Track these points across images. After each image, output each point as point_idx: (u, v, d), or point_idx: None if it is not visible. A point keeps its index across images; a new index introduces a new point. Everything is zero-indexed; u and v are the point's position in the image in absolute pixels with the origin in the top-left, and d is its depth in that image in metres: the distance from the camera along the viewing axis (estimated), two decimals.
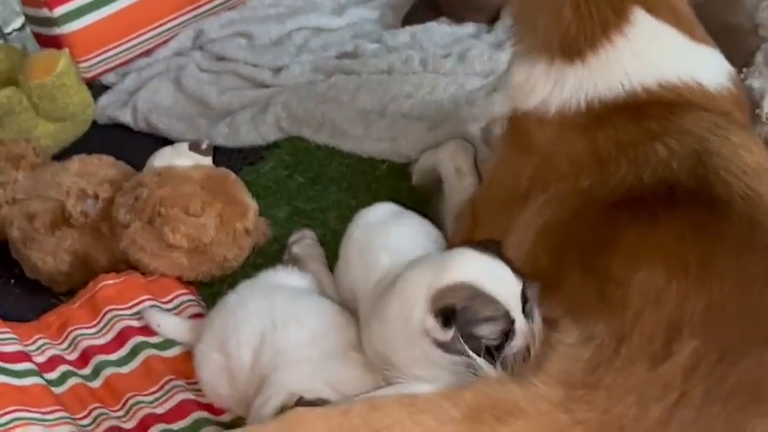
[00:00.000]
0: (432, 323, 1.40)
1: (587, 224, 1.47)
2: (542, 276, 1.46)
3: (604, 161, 1.50)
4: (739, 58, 2.03)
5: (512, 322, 1.39)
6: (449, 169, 2.00)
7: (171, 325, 1.86)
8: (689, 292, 1.31)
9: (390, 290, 1.51)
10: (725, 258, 1.34)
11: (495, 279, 1.42)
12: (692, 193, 1.42)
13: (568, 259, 1.46)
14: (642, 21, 1.55)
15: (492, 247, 1.48)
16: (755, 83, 1.96)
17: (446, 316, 1.39)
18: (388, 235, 1.71)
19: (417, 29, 2.67)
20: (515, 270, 1.45)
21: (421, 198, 2.08)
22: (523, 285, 1.42)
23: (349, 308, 1.73)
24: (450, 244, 1.74)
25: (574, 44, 1.56)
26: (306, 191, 2.22)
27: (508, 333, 1.38)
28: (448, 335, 1.39)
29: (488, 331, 1.39)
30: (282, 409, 1.45)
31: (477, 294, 1.40)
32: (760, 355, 1.26)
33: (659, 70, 1.54)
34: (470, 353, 1.36)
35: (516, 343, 1.38)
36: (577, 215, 1.49)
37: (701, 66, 1.58)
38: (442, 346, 1.40)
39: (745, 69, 2.02)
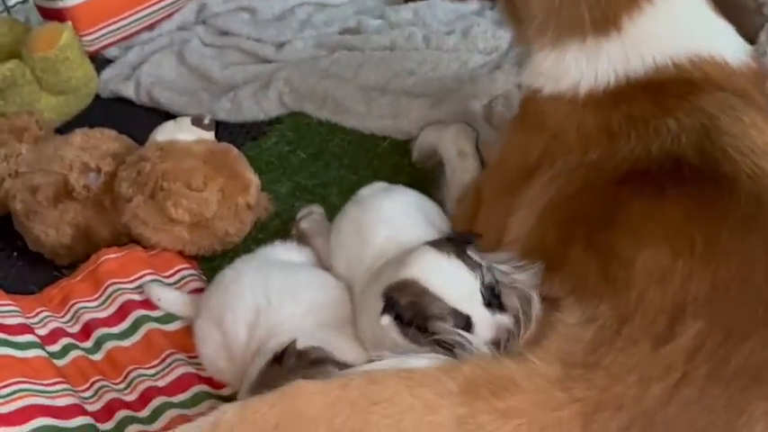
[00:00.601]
0: (386, 320, 1.42)
1: (593, 198, 1.46)
2: (548, 253, 1.46)
3: (614, 134, 1.50)
4: (743, 36, 2.02)
5: (466, 318, 1.39)
6: (451, 152, 1.99)
7: (171, 299, 1.87)
8: (694, 272, 1.30)
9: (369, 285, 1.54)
10: (731, 237, 1.33)
11: (444, 277, 1.42)
12: (698, 170, 1.41)
13: (573, 234, 1.45)
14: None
15: (463, 240, 1.47)
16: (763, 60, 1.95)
17: (398, 313, 1.41)
18: (380, 209, 1.73)
19: (420, 5, 2.67)
20: (499, 259, 1.46)
21: (422, 175, 2.09)
22: (492, 280, 1.42)
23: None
24: (453, 226, 1.76)
25: (608, 13, 1.53)
26: (308, 167, 2.23)
27: (467, 327, 1.39)
28: (406, 331, 1.42)
29: (440, 328, 1.40)
30: (275, 359, 1.48)
31: (422, 292, 1.41)
32: (764, 336, 1.25)
33: (692, 43, 1.53)
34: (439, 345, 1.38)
35: (480, 335, 1.38)
36: (583, 189, 1.49)
37: (725, 41, 1.57)
38: (408, 338, 1.42)
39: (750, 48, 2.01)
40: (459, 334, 1.38)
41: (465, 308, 1.40)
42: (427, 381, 1.28)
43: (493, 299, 1.41)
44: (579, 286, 1.38)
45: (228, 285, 1.73)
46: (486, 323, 1.39)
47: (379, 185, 1.86)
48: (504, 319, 1.39)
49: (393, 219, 1.70)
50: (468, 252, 1.45)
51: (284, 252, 1.83)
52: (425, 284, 1.41)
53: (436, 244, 1.46)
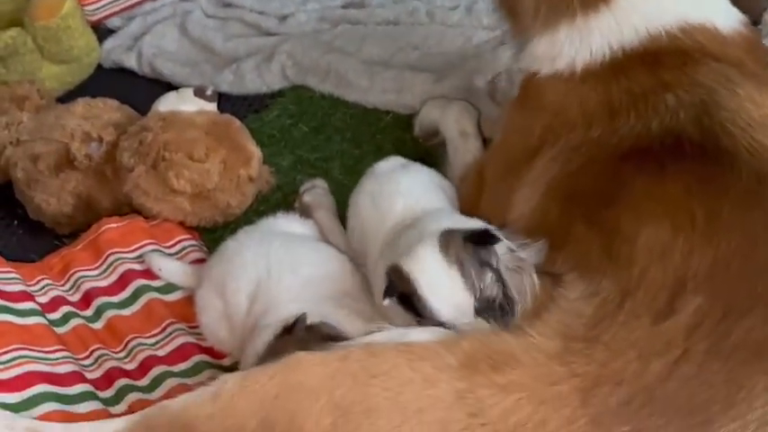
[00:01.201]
0: (387, 302, 1.42)
1: (595, 176, 1.47)
2: (551, 230, 1.46)
3: (615, 111, 1.50)
4: (747, 18, 2.02)
5: (453, 325, 1.37)
6: (453, 132, 1.98)
7: (172, 269, 1.87)
8: (694, 247, 1.30)
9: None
10: (732, 213, 1.33)
11: (435, 287, 1.38)
12: (699, 145, 1.41)
13: (576, 212, 1.45)
14: None
15: (483, 240, 1.41)
16: (764, 42, 1.94)
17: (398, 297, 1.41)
18: (399, 182, 1.72)
19: None
20: (517, 243, 1.44)
21: (425, 149, 2.08)
22: (494, 293, 1.38)
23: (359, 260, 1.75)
24: (459, 205, 1.75)
25: None
26: (310, 140, 2.22)
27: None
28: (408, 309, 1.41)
29: (431, 321, 1.39)
30: (285, 330, 1.48)
31: (414, 290, 1.39)
32: (765, 312, 1.26)
33: (682, 10, 1.54)
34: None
35: None
36: (586, 167, 1.49)
37: (715, 7, 1.58)
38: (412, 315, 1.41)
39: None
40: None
41: (451, 318, 1.37)
42: (427, 354, 1.28)
43: (490, 309, 1.37)
44: (582, 263, 1.38)
45: (231, 256, 1.73)
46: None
47: (396, 160, 1.85)
48: (501, 322, 1.36)
49: (411, 191, 1.69)
50: (483, 252, 1.39)
51: (286, 224, 1.83)
52: (417, 285, 1.39)
53: (446, 240, 1.41)
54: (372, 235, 1.68)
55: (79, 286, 1.87)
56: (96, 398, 1.64)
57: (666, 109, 1.46)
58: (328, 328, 1.49)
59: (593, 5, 1.55)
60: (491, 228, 1.46)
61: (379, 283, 1.53)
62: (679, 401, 1.22)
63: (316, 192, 1.97)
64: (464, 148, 1.95)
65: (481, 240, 1.41)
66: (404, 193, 1.69)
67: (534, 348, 1.28)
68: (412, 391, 1.24)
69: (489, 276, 1.39)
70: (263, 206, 2.05)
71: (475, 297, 1.37)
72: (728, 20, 1.57)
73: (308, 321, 1.49)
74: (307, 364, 1.28)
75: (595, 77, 1.55)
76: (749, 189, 1.36)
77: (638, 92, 1.49)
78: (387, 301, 1.42)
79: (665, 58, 1.51)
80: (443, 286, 1.38)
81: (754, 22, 2.05)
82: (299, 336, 1.47)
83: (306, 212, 1.92)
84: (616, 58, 1.54)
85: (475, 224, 1.51)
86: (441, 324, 1.37)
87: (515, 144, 1.67)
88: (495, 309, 1.37)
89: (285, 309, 1.55)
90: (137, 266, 1.88)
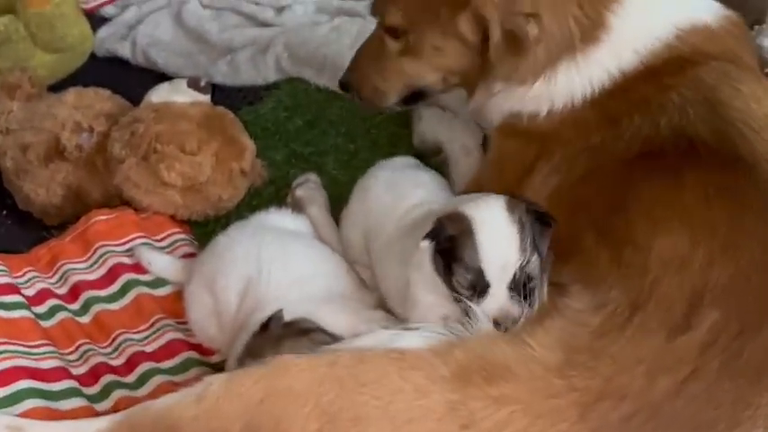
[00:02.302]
0: (425, 243, 1.41)
1: (600, 183, 1.44)
2: (555, 241, 1.42)
3: (615, 119, 1.47)
4: (749, 17, 1.99)
5: (486, 285, 1.37)
6: (457, 152, 1.95)
7: (162, 264, 1.84)
8: (715, 259, 1.27)
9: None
10: (754, 223, 1.30)
11: (494, 235, 1.38)
12: (714, 150, 1.37)
13: (582, 221, 1.42)
14: None
15: (542, 218, 1.42)
16: (765, 41, 1.92)
17: (438, 239, 1.40)
18: (418, 176, 1.77)
19: None
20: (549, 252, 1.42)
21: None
22: (534, 273, 1.38)
23: (353, 253, 1.74)
24: None
25: (593, 16, 1.50)
26: (304, 134, 2.19)
27: (481, 293, 1.37)
28: (437, 260, 1.41)
29: (461, 276, 1.38)
30: (261, 327, 1.47)
31: (467, 233, 1.38)
32: None
33: (674, 16, 1.52)
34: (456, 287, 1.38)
35: (486, 309, 1.36)
36: (588, 174, 1.46)
37: (699, 3, 1.56)
38: (434, 268, 1.42)
39: (756, 27, 1.99)
40: (472, 290, 1.37)
41: (491, 275, 1.37)
42: (418, 364, 1.26)
43: (521, 288, 1.37)
44: (589, 273, 1.35)
45: (222, 252, 1.70)
46: (498, 301, 1.37)
47: (411, 159, 1.90)
48: (516, 310, 1.36)
49: (429, 186, 1.73)
50: (538, 233, 1.40)
51: (279, 219, 1.81)
52: (474, 230, 1.38)
53: (513, 202, 1.42)
54: (379, 222, 1.67)
55: (67, 279, 1.85)
56: (81, 395, 1.62)
57: (674, 106, 1.43)
58: (307, 324, 1.47)
59: (593, 38, 1.52)
60: None
61: (395, 262, 1.54)
62: (684, 419, 1.20)
63: (308, 186, 1.95)
64: (467, 163, 1.91)
65: (540, 218, 1.41)
66: (423, 185, 1.72)
67: (532, 360, 1.26)
68: (402, 400, 1.23)
69: (536, 258, 1.39)
70: (256, 200, 2.03)
71: (520, 265, 1.36)
72: (713, 13, 1.55)
73: (287, 318, 1.46)
74: (294, 369, 1.26)
75: (592, 102, 1.53)
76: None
77: (638, 98, 1.47)
78: (425, 243, 1.40)
79: (665, 67, 1.49)
80: (502, 235, 1.38)
81: (757, 21, 2.03)
82: (276, 333, 1.45)
83: (298, 207, 1.89)
84: (615, 81, 1.51)
85: None
86: (476, 282, 1.36)
87: (508, 166, 1.65)
88: (525, 292, 1.37)
89: (273, 307, 1.53)
90: (126, 260, 1.85)
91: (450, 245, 1.40)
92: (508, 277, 1.37)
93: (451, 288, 1.40)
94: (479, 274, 1.37)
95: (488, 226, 1.39)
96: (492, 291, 1.37)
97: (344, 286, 1.66)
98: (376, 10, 1.73)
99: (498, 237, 1.38)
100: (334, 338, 1.44)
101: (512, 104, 1.62)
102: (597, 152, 1.47)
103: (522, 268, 1.37)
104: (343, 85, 1.85)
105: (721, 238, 1.28)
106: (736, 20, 1.58)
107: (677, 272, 1.27)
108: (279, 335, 1.44)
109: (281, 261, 1.65)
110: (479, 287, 1.37)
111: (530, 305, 1.36)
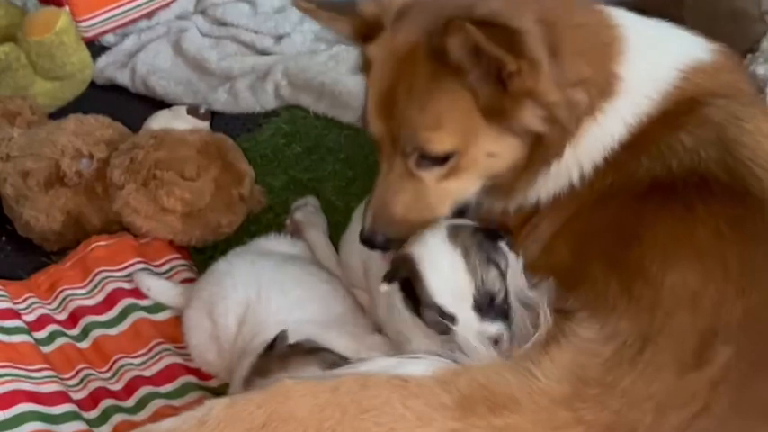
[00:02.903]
0: (384, 287, 1.43)
1: (612, 215, 1.41)
2: (561, 270, 1.41)
3: (621, 164, 1.44)
4: (744, 44, 2.01)
5: (451, 316, 1.37)
6: None
7: (161, 289, 1.85)
8: (727, 296, 1.26)
9: None
10: (765, 259, 1.28)
11: (438, 269, 1.39)
12: (726, 185, 1.36)
13: (590, 252, 1.40)
14: (630, 20, 1.50)
15: (491, 235, 1.43)
16: (760, 69, 1.94)
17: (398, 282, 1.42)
18: None
19: None
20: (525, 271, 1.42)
21: None
22: (495, 288, 1.38)
23: (353, 277, 1.75)
24: None
25: (603, 71, 1.45)
26: (303, 160, 2.21)
27: (452, 322, 1.38)
28: (407, 302, 1.43)
29: (428, 314, 1.39)
30: (267, 347, 1.48)
31: (416, 274, 1.40)
32: None
33: (674, 58, 1.49)
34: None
35: (462, 335, 1.36)
36: (599, 207, 1.44)
37: (689, 42, 1.54)
38: (409, 309, 1.44)
39: (750, 55, 2.01)
40: (442, 322, 1.37)
41: (449, 306, 1.38)
42: (421, 391, 1.25)
43: (488, 307, 1.38)
44: (596, 302, 1.33)
45: (221, 277, 1.71)
46: (470, 326, 1.37)
47: None
48: (493, 328, 1.37)
49: None
50: (491, 249, 1.41)
51: (278, 244, 1.82)
52: (419, 268, 1.40)
53: (453, 231, 1.43)
54: None
55: (66, 305, 1.85)
56: (81, 418, 1.62)
57: (684, 148, 1.41)
58: (311, 344, 1.47)
59: (608, 93, 1.45)
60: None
61: (381, 298, 1.54)
62: None
63: (308, 210, 1.97)
64: None
65: (489, 236, 1.42)
66: None
67: (537, 391, 1.24)
68: (404, 428, 1.21)
69: (494, 273, 1.39)
70: (255, 226, 2.04)
71: (475, 286, 1.37)
72: (706, 50, 1.54)
73: (292, 341, 1.47)
74: (296, 395, 1.25)
75: (612, 153, 1.48)
76: None
77: (652, 141, 1.44)
78: (385, 287, 1.41)
79: (677, 108, 1.46)
80: (445, 266, 1.39)
81: (750, 49, 2.05)
82: (281, 351, 1.45)
83: (297, 230, 1.90)
84: (631, 130, 1.46)
85: None
86: (440, 314, 1.36)
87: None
88: (494, 309, 1.37)
89: (274, 331, 1.53)
90: (125, 285, 1.86)
91: (408, 286, 1.42)
92: (468, 302, 1.38)
93: (428, 324, 1.41)
94: (439, 308, 1.38)
95: (430, 261, 1.40)
96: (459, 318, 1.37)
97: (343, 310, 1.66)
98: (407, 144, 1.46)
99: (441, 268, 1.40)
100: (342, 359, 1.45)
101: (555, 181, 1.52)
102: (606, 192, 1.45)
103: (479, 289, 1.38)
104: (371, 242, 1.53)
105: (733, 273, 1.27)
106: (728, 53, 1.57)
107: (689, 307, 1.26)
108: (285, 354, 1.45)
109: (280, 286, 1.65)
110: (447, 319, 1.38)
111: (507, 319, 1.37)
